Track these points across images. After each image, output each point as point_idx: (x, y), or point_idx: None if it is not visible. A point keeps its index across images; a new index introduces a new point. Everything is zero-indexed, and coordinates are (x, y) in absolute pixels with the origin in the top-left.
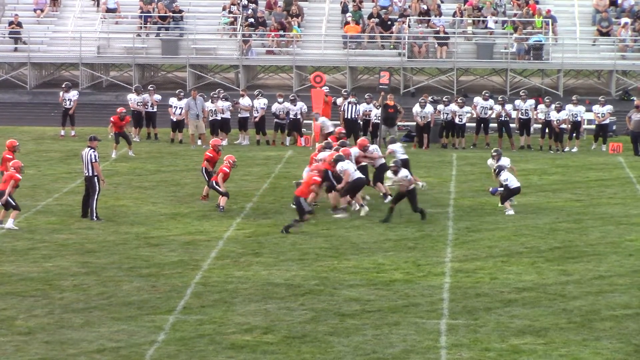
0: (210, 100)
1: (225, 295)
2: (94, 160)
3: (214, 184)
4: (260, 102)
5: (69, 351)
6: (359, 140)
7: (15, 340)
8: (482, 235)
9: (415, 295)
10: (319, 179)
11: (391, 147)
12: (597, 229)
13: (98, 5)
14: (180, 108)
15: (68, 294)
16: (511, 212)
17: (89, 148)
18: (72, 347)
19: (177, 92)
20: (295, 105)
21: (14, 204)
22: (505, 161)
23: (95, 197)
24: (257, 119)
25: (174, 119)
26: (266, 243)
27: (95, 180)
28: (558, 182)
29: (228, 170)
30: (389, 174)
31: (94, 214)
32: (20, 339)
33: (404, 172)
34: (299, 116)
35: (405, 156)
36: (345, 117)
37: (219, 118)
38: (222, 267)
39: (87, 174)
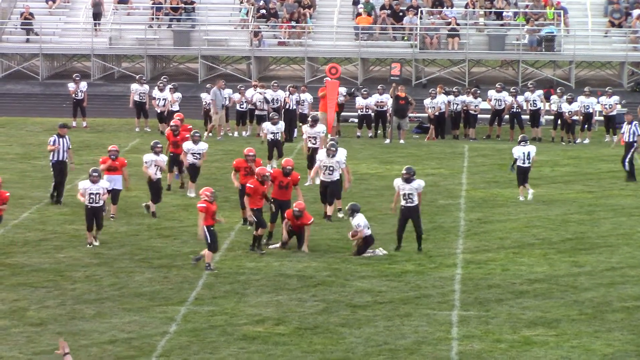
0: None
1: (236, 286)
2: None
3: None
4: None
5: (80, 342)
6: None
7: (27, 331)
8: (494, 226)
9: (426, 287)
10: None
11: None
12: (608, 221)
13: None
14: (161, 99)
15: (80, 285)
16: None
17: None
18: (84, 338)
19: (158, 83)
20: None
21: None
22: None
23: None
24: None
25: (158, 110)
26: (278, 234)
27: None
28: (570, 174)
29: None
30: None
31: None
32: (32, 329)
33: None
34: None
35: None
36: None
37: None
38: (234, 258)
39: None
